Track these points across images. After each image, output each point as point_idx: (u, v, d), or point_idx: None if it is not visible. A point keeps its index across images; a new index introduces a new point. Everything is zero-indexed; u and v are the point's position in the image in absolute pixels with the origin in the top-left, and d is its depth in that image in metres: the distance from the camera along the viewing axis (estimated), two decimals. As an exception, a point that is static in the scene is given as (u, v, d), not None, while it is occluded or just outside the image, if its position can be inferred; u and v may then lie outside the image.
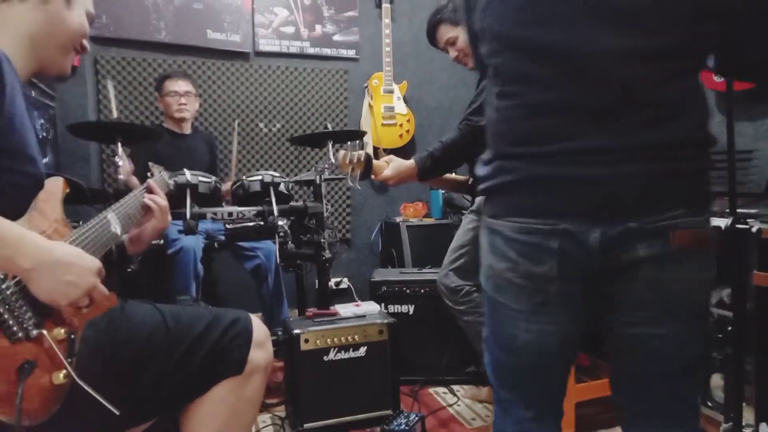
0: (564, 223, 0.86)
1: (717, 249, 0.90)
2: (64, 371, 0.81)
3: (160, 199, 1.19)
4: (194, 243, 2.23)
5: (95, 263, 0.85)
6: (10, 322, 0.76)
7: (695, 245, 0.85)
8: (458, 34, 1.87)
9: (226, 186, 2.55)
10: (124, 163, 2.19)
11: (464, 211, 2.15)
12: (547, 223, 0.87)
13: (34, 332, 0.78)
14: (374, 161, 1.75)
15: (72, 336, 0.85)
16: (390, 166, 1.72)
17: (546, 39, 0.85)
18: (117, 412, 0.83)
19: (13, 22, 0.93)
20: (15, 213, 0.83)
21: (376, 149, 3.34)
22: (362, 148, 1.62)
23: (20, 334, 0.76)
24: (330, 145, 2.08)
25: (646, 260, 0.85)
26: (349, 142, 1.64)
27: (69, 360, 0.82)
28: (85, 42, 1.06)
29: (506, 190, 0.93)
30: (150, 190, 1.20)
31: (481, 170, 0.98)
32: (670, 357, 0.90)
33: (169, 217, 1.21)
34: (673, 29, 0.81)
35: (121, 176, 2.06)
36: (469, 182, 2.03)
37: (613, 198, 0.84)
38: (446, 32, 1.89)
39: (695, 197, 0.86)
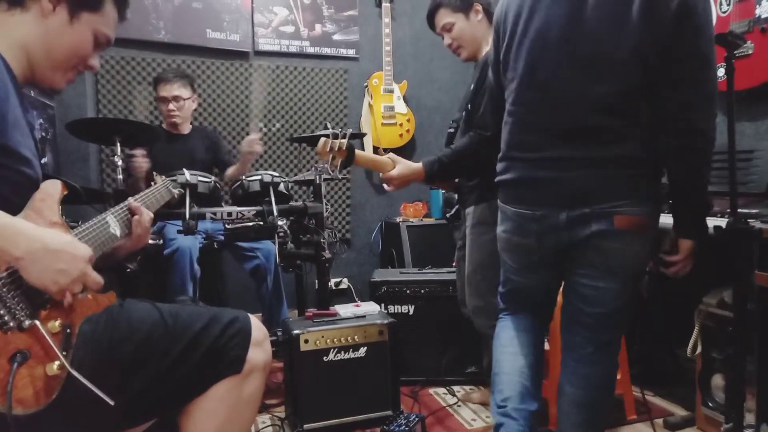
0: (541, 210, 1.28)
1: (651, 232, 1.25)
2: (58, 362, 0.81)
3: (144, 221, 1.14)
4: (190, 243, 2.22)
5: (86, 251, 0.85)
6: (1, 312, 0.76)
7: (631, 227, 1.20)
8: (455, 21, 1.85)
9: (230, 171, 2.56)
10: (140, 163, 2.20)
11: (458, 222, 2.10)
12: (530, 209, 1.30)
13: (27, 323, 0.78)
14: (377, 157, 1.73)
15: (68, 330, 0.86)
16: (397, 168, 1.68)
17: (539, 76, 1.26)
18: (112, 403, 0.83)
19: (11, 29, 0.94)
20: (8, 210, 0.83)
21: (375, 149, 3.33)
22: (344, 136, 1.56)
23: (12, 324, 0.77)
24: None
25: (595, 233, 1.22)
26: (330, 129, 1.58)
27: (64, 353, 0.83)
28: (92, 61, 1.05)
29: (509, 184, 1.37)
30: (132, 211, 1.13)
31: (498, 166, 1.40)
32: (602, 303, 1.29)
33: (147, 240, 1.17)
34: (619, 80, 1.17)
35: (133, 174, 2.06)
36: (456, 180, 2.01)
37: (574, 192, 1.23)
38: (444, 17, 1.86)
39: (635, 193, 1.20)
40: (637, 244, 1.24)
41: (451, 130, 2.00)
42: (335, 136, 1.55)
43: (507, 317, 1.51)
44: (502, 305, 1.53)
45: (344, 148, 1.56)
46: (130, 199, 1.15)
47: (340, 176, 1.76)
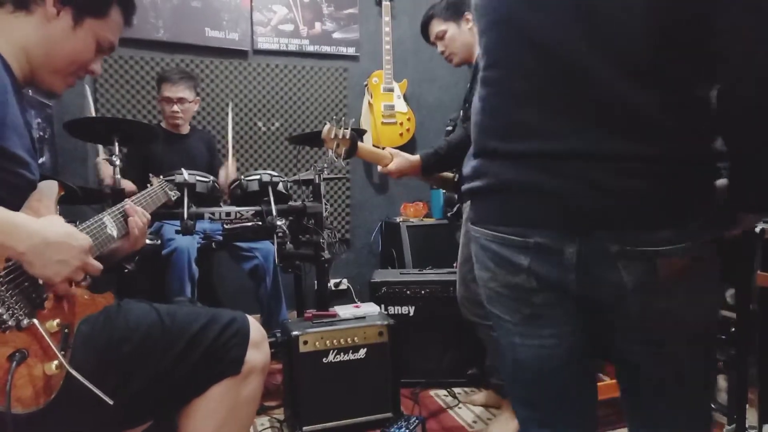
0: (536, 235, 0.80)
1: (717, 266, 0.79)
2: (57, 362, 0.82)
3: (140, 222, 1.14)
4: (188, 243, 2.21)
5: (86, 240, 0.88)
6: (1, 311, 0.77)
7: (686, 272, 0.76)
8: (447, 28, 1.93)
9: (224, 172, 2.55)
10: (105, 167, 2.19)
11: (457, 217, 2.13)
12: (518, 233, 0.82)
13: (25, 322, 0.79)
14: (378, 150, 1.80)
15: (66, 329, 0.87)
16: (395, 162, 1.77)
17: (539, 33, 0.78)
18: (111, 402, 0.83)
19: (14, 31, 0.95)
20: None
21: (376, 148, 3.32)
22: (347, 126, 1.62)
23: (10, 323, 0.78)
24: None
25: (633, 288, 0.77)
26: (334, 118, 1.64)
27: (62, 352, 0.84)
28: (94, 66, 1.05)
29: (482, 194, 0.88)
30: (128, 213, 1.12)
31: (465, 168, 0.94)
32: (670, 379, 0.84)
33: (144, 241, 1.17)
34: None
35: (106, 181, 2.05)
36: (455, 179, 2.03)
37: (589, 211, 0.76)
38: (437, 26, 1.95)
39: (685, 214, 0.75)
40: (700, 294, 0.80)
41: (449, 128, 2.04)
42: (339, 124, 1.60)
43: None
44: (519, 412, 0.98)
45: (348, 137, 1.60)
46: (127, 200, 1.15)
47: (344, 164, 1.81)
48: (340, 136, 1.61)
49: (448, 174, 2.07)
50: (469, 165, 0.91)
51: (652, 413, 0.88)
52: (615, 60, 0.74)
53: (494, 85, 0.85)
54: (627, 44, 0.73)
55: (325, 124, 1.67)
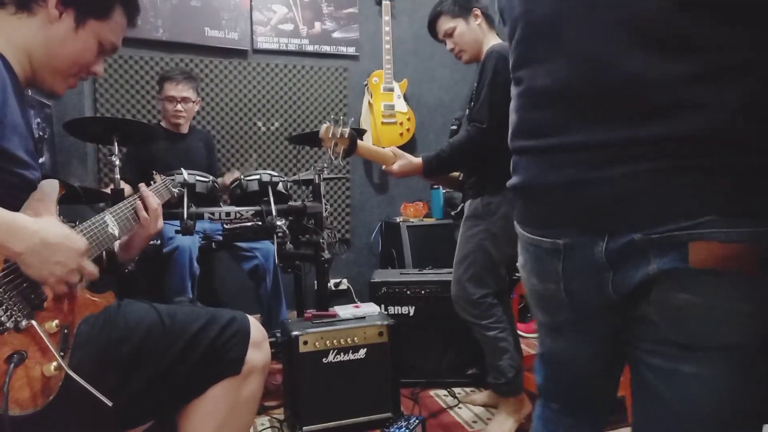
0: (564, 236, 0.77)
1: (761, 265, 0.65)
2: (55, 363, 0.82)
3: (153, 203, 1.18)
4: (190, 242, 2.21)
5: (82, 242, 0.88)
6: None
7: (721, 264, 0.64)
8: (456, 25, 1.90)
9: (225, 179, 2.54)
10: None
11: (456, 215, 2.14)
12: (547, 234, 0.80)
13: (24, 323, 0.79)
14: (380, 149, 1.80)
15: (65, 330, 0.87)
16: (398, 164, 1.78)
17: (544, 12, 0.77)
18: (110, 404, 0.83)
19: (15, 32, 0.95)
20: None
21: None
22: (346, 125, 1.60)
23: (8, 325, 0.77)
24: None
25: (657, 278, 0.68)
26: (332, 117, 1.63)
27: (61, 353, 0.83)
28: (96, 67, 1.06)
29: (515, 193, 0.88)
30: (142, 198, 1.19)
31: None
32: (692, 401, 0.70)
33: (161, 222, 1.21)
34: None
35: None
36: (460, 178, 2.03)
37: (612, 205, 0.71)
38: (445, 23, 1.92)
39: (731, 201, 0.64)
40: (738, 296, 0.66)
41: (454, 127, 2.04)
42: (337, 123, 1.59)
43: (541, 407, 0.98)
44: (539, 381, 0.98)
45: (346, 136, 1.59)
46: (142, 185, 1.21)
47: (343, 163, 1.80)
48: (338, 135, 1.59)
49: (453, 173, 2.07)
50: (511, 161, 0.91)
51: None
52: (631, 34, 0.67)
53: (521, 83, 0.84)
54: (641, 11, 0.67)
55: (324, 123, 1.66)
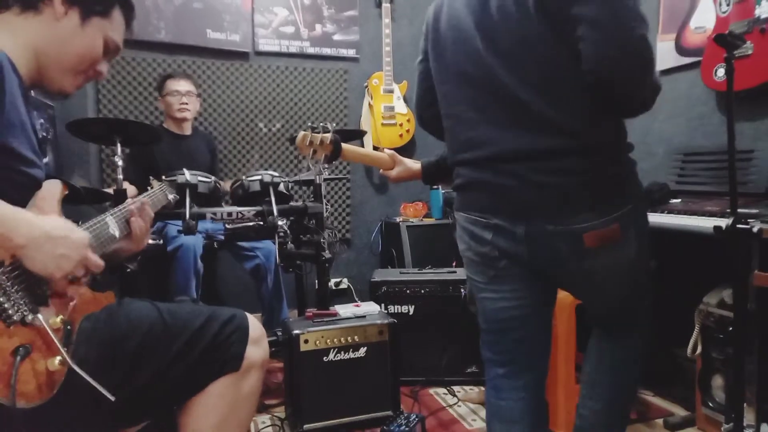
0: (495, 218, 1.11)
1: (624, 234, 1.07)
2: (60, 357, 0.83)
3: (142, 222, 1.14)
4: (194, 240, 2.22)
5: (85, 236, 0.88)
6: (6, 306, 0.78)
7: (603, 242, 1.04)
8: None
9: (225, 186, 2.55)
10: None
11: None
12: (483, 216, 1.13)
13: (30, 317, 0.80)
14: (372, 153, 1.73)
15: (68, 326, 0.87)
16: (396, 170, 1.71)
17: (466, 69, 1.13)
18: (112, 398, 0.84)
19: (22, 31, 0.95)
20: None
21: (376, 149, 3.33)
22: (327, 131, 1.52)
23: (15, 318, 0.78)
24: None
25: (569, 254, 1.06)
26: (310, 125, 1.54)
27: (65, 348, 0.84)
28: (101, 67, 1.06)
29: (458, 189, 1.22)
30: (131, 214, 1.12)
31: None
32: (610, 311, 1.21)
33: (147, 242, 1.17)
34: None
35: None
36: None
37: (525, 202, 1.06)
38: None
39: (599, 203, 1.04)
40: (617, 254, 1.10)
41: None
42: (315, 130, 1.51)
43: (491, 376, 1.25)
44: (483, 353, 1.27)
45: (327, 142, 1.52)
46: (130, 201, 1.15)
47: (325, 171, 1.73)
48: (318, 142, 1.51)
49: None
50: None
51: (599, 343, 1.26)
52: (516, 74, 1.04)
53: (451, 119, 1.21)
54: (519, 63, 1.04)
55: (300, 131, 1.58)
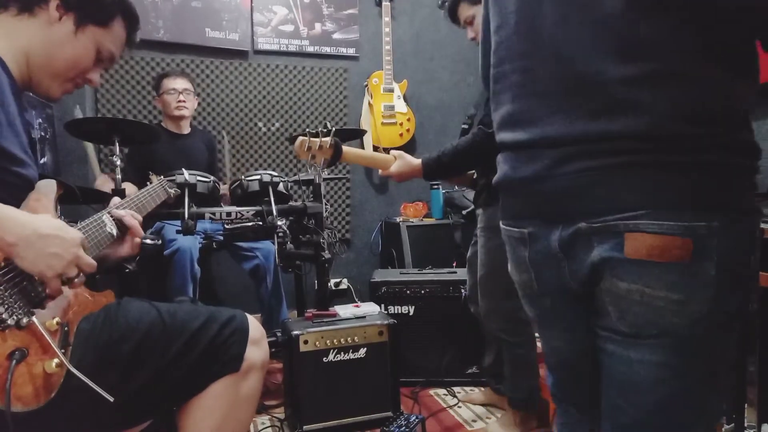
0: (529, 225, 0.83)
1: (696, 259, 0.67)
2: (57, 360, 0.82)
3: (137, 231, 1.09)
4: (191, 243, 2.21)
5: (77, 235, 0.86)
6: (0, 310, 0.77)
7: (653, 255, 0.68)
8: (475, 13, 1.82)
9: (224, 189, 2.54)
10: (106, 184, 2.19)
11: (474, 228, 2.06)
12: (516, 224, 0.87)
13: (25, 320, 0.79)
14: (373, 154, 1.71)
15: (65, 328, 0.86)
16: (396, 165, 1.70)
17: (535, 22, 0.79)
18: (111, 399, 0.83)
19: (16, 33, 0.95)
20: None
21: (375, 149, 3.32)
22: (327, 135, 1.50)
23: (9, 322, 0.77)
24: None
25: (601, 266, 0.73)
26: (308, 131, 1.51)
27: (62, 350, 0.83)
28: (92, 75, 1.05)
29: (498, 188, 0.93)
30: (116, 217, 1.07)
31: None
32: (643, 390, 0.72)
33: (137, 249, 1.11)
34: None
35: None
36: (474, 176, 1.96)
37: (562, 195, 0.75)
38: (465, 11, 1.85)
39: (663, 197, 0.68)
40: (677, 287, 0.69)
41: (465, 126, 1.95)
42: (314, 135, 1.50)
43: (560, 414, 0.98)
44: (551, 387, 0.99)
45: (327, 146, 1.50)
46: (114, 201, 1.10)
47: (324, 174, 1.68)
48: (317, 147, 1.49)
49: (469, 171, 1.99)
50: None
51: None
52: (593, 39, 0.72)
53: (503, 79, 0.87)
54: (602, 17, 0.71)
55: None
